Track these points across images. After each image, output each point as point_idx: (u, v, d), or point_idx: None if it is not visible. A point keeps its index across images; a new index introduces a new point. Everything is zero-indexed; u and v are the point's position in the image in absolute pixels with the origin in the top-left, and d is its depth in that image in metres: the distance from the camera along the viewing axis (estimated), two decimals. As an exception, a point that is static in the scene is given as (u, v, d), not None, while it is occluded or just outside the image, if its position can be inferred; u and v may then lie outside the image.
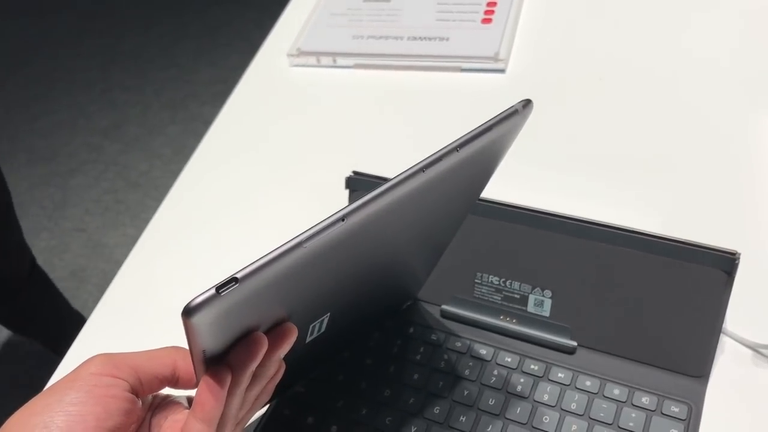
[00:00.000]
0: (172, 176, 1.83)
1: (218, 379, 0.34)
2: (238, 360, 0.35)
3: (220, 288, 0.28)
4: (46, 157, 2.05)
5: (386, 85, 0.81)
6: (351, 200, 0.58)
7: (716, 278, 0.48)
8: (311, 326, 0.41)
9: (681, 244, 0.49)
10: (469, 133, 0.36)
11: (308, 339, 0.42)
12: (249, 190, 0.72)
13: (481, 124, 0.37)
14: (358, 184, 0.58)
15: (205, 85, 2.21)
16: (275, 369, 0.38)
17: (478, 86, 0.78)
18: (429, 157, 0.34)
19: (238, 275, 0.29)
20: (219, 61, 2.28)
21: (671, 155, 0.67)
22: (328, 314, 0.42)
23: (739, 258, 0.47)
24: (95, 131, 2.12)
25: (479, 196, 0.48)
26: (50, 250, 1.77)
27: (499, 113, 0.37)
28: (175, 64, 2.33)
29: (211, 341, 0.32)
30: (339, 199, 0.61)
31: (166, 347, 0.40)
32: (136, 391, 0.37)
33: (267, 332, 0.36)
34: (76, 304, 1.64)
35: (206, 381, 0.34)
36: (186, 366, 0.39)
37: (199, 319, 0.29)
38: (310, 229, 0.31)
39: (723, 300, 0.48)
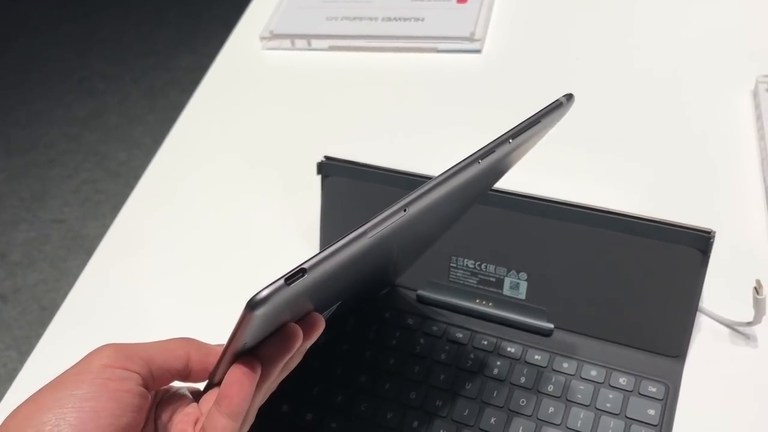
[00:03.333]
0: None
1: (248, 372, 0.33)
2: (271, 353, 0.33)
3: (288, 279, 0.28)
4: (23, 148, 2.02)
5: (361, 68, 0.80)
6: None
7: (692, 257, 0.48)
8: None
9: (656, 224, 0.48)
10: (519, 124, 0.36)
11: None
12: (221, 177, 0.71)
13: (530, 117, 0.37)
14: (331, 169, 0.57)
15: (185, 72, 2.18)
16: (299, 360, 0.38)
17: (455, 67, 0.78)
18: (483, 147, 0.35)
19: (306, 266, 0.28)
20: (199, 48, 2.25)
21: (648, 133, 0.67)
22: (339, 303, 0.42)
23: (714, 236, 0.47)
24: (74, 121, 2.10)
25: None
26: (29, 242, 1.76)
27: (545, 106, 0.38)
28: (154, 51, 2.30)
29: (255, 334, 0.31)
30: (312, 185, 0.60)
31: (177, 338, 0.38)
32: (147, 385, 0.36)
33: (296, 324, 0.35)
34: (58, 296, 1.63)
35: (235, 374, 0.33)
36: (200, 358, 0.37)
37: (261, 312, 0.28)
38: (372, 218, 0.30)
39: (699, 279, 0.48)
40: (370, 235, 0.30)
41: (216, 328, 0.43)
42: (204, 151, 0.74)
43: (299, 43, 0.83)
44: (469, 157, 0.34)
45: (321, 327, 0.36)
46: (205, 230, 0.66)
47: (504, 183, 0.54)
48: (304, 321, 0.35)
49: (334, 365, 0.52)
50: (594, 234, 0.50)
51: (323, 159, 0.57)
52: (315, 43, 0.83)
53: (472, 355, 0.51)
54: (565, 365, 0.50)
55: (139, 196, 0.71)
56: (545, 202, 0.51)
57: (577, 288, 0.51)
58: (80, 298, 0.62)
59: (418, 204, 0.32)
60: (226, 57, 0.86)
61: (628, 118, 0.69)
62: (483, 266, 0.54)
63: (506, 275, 0.53)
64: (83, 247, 1.73)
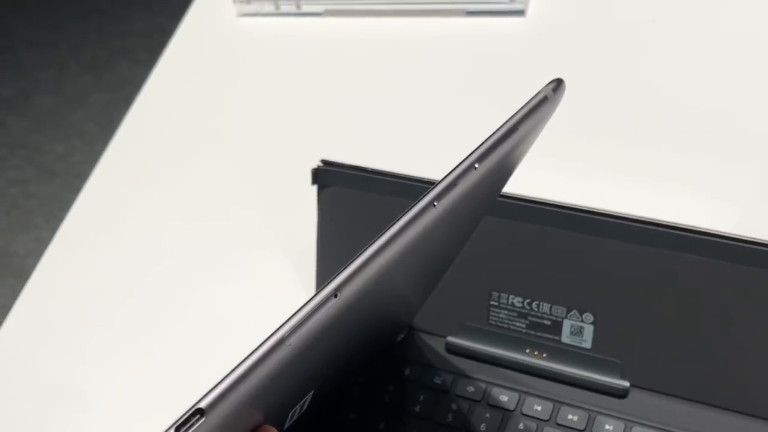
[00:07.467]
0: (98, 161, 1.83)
1: None
2: None
3: (180, 428, 0.27)
4: (-68, 141, 2.04)
5: (368, 38, 0.81)
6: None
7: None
8: (291, 412, 0.41)
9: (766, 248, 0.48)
10: (486, 141, 0.36)
11: (287, 425, 0.41)
12: (186, 182, 0.72)
13: (501, 126, 0.36)
14: (330, 177, 0.57)
15: (139, 38, 2.19)
16: None
17: (489, 34, 0.78)
18: (439, 183, 0.34)
19: (203, 404, 0.27)
20: (155, 5, 2.26)
21: (749, 126, 0.66)
22: (312, 393, 0.42)
23: None
24: (-5, 104, 2.12)
25: (494, 200, 0.49)
26: (-58, 263, 1.77)
27: (522, 106, 0.37)
28: (99, 9, 2.32)
29: None
30: (304, 198, 0.60)
31: None
32: None
33: None
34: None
35: None
36: None
37: None
38: (291, 318, 0.29)
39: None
40: (289, 342, 0.29)
41: (176, 398, 0.42)
42: (164, 146, 0.75)
43: (285, 6, 0.84)
44: (419, 201, 0.33)
45: None
46: (165, 256, 0.66)
47: (561, 192, 0.54)
48: None
49: (338, 440, 0.52)
50: (683, 261, 0.50)
51: (320, 164, 0.57)
52: (306, 6, 0.83)
53: (521, 426, 0.51)
54: (647, 438, 0.49)
55: (85, 204, 0.71)
56: (617, 219, 0.51)
57: (662, 333, 0.51)
58: (9, 341, 0.63)
59: (354, 283, 0.31)
60: (192, 23, 0.87)
61: (722, 103, 0.68)
62: (534, 305, 0.54)
63: (566, 316, 0.53)
64: (10, 268, 1.74)
